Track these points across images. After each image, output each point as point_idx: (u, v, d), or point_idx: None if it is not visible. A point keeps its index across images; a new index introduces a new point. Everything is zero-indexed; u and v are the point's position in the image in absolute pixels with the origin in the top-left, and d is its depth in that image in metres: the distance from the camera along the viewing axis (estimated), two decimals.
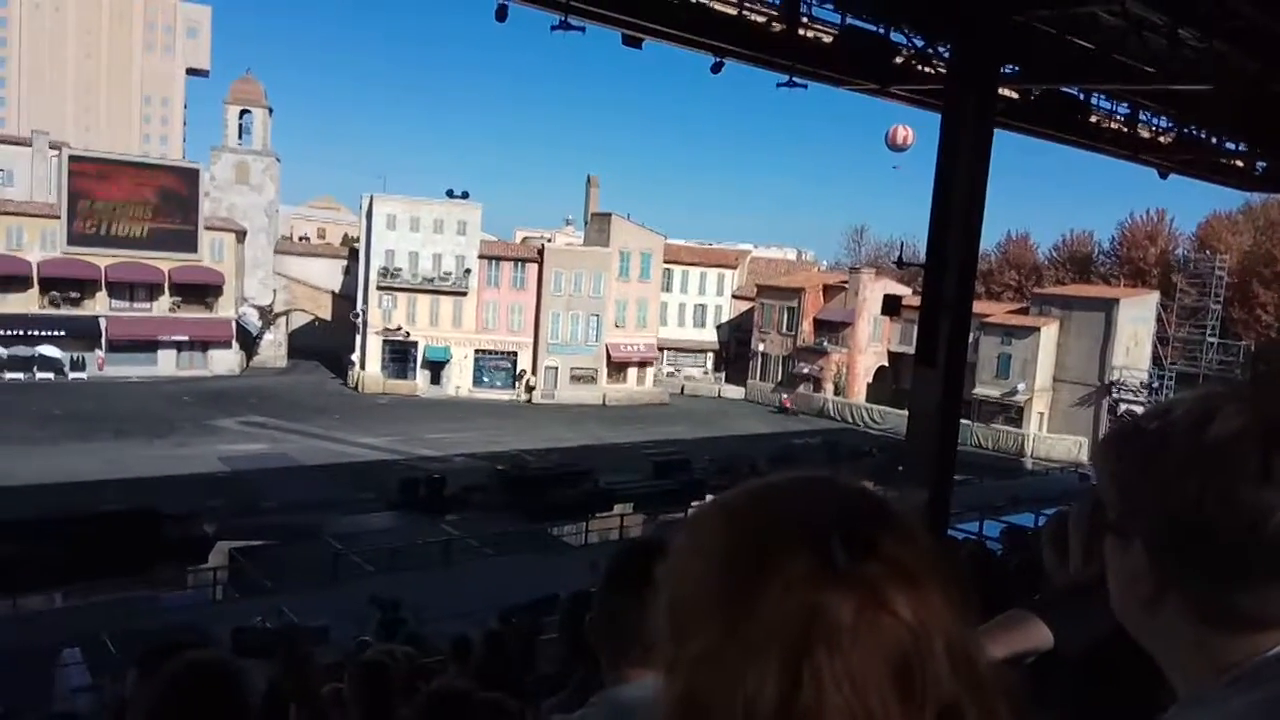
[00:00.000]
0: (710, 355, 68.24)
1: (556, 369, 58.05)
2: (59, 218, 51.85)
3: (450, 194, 58.94)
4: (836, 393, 59.03)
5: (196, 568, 24.56)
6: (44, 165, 52.78)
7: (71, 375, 51.07)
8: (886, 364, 59.54)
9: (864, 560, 0.65)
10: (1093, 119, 18.19)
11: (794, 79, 14.96)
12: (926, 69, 14.85)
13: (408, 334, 56.64)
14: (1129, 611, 0.85)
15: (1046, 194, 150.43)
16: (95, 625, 17.13)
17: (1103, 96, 17.91)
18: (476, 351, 57.85)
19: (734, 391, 64.10)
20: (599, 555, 20.28)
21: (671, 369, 66.12)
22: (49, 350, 50.70)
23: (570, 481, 33.17)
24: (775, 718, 0.61)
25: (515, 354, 58.20)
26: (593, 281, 58.17)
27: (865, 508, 0.70)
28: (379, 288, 56.23)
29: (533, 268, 58.04)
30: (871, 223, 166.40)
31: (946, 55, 14.07)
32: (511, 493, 31.35)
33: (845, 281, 61.77)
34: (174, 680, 1.78)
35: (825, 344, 59.87)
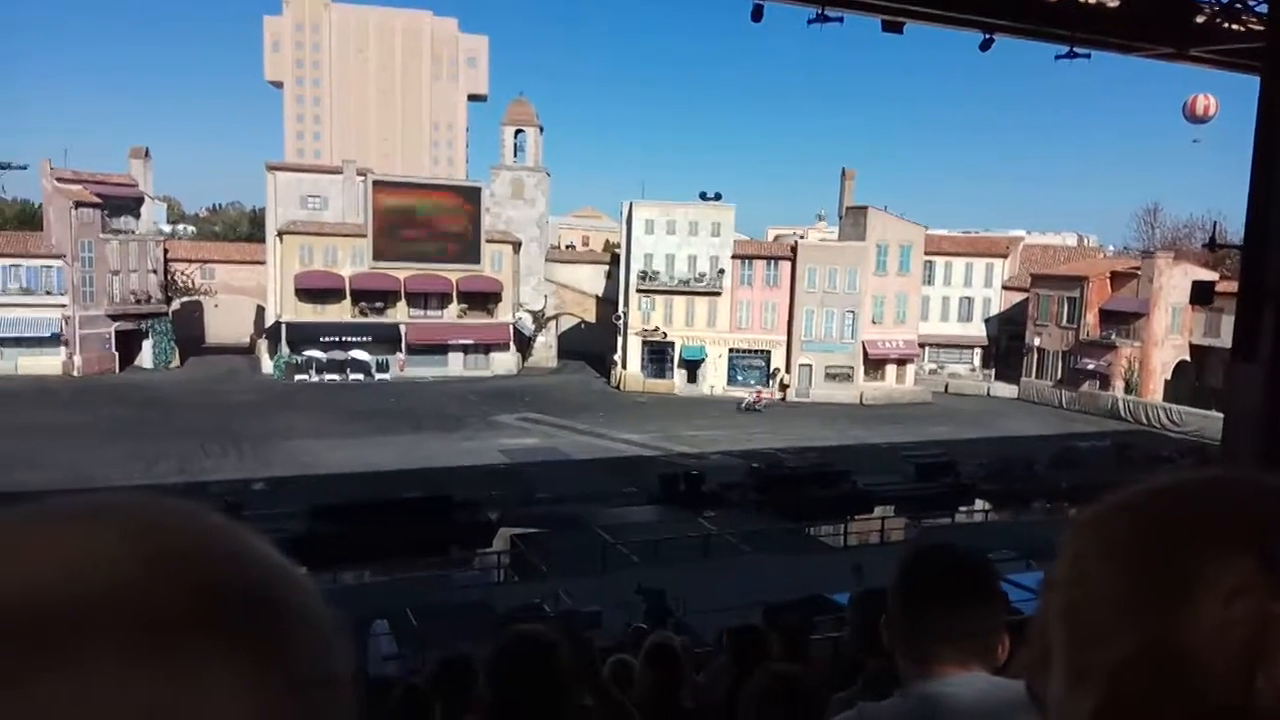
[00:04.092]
0: (978, 351, 64.45)
1: (810, 367, 57.38)
2: (365, 236, 58.74)
3: (703, 196, 60.02)
4: (1128, 391, 53.63)
5: (482, 551, 26.84)
6: (352, 190, 59.99)
7: (377, 376, 57.82)
8: (1188, 358, 53.29)
9: None
10: None
11: (1074, 49, 13.83)
12: (1235, 26, 13.15)
13: (665, 334, 58.40)
14: None
15: None
16: (398, 599, 19.15)
17: None
18: (730, 350, 58.50)
19: (1005, 390, 60.15)
20: (861, 558, 19.80)
21: (934, 366, 63.19)
22: (359, 354, 57.83)
23: (827, 481, 32.60)
24: None
25: (769, 352, 58.21)
26: (848, 277, 56.91)
27: None
28: (638, 290, 58.41)
29: (786, 265, 57.75)
30: (1165, 202, 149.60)
31: (1261, 8, 12.37)
32: (767, 491, 31.32)
33: (1136, 268, 55.88)
34: (504, 647, 1.99)
35: (1113, 337, 54.57)
